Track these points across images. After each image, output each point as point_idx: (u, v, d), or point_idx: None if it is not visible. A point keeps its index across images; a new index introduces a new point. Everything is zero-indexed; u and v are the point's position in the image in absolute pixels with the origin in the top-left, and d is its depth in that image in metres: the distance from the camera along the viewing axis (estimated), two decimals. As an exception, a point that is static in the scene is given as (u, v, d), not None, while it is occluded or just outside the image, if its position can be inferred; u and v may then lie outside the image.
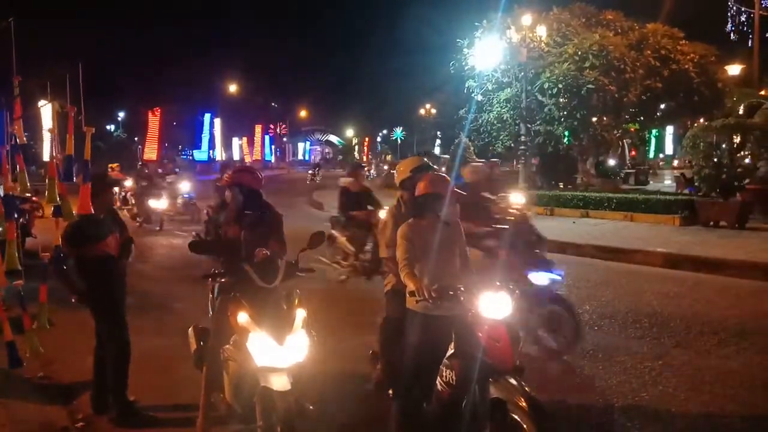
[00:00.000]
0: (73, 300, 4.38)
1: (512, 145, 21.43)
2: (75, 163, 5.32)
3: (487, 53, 19.78)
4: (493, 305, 3.19)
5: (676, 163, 41.99)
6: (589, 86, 18.15)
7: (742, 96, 17.77)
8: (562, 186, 21.95)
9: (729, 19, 36.02)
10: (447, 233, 3.57)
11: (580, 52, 18.71)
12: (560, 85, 18.65)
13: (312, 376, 4.82)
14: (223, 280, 3.90)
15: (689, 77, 20.32)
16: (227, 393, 3.68)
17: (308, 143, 79.01)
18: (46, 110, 15.06)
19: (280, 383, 3.29)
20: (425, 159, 4.40)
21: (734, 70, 21.77)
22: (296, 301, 3.61)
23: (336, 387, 4.80)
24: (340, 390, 4.77)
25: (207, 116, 61.21)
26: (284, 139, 74.97)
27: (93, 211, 4.41)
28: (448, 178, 3.67)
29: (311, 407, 4.25)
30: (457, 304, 3.30)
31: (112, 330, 4.32)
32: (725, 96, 20.46)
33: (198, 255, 3.86)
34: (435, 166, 4.10)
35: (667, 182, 28.42)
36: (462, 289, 3.27)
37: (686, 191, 17.23)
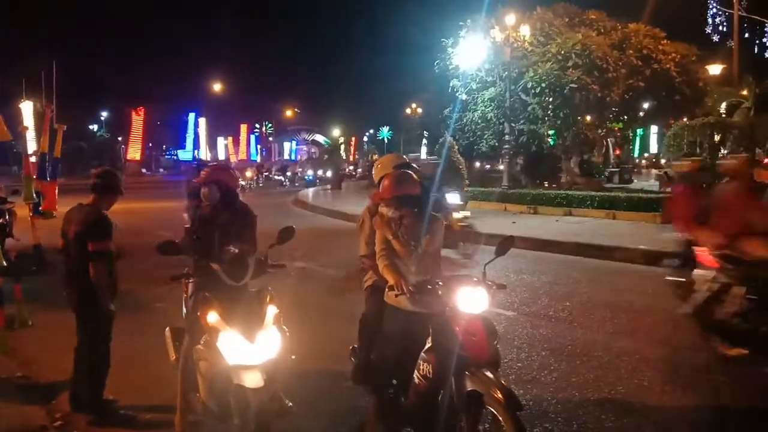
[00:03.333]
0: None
1: (497, 144, 21.55)
2: (49, 162, 5.29)
3: (472, 52, 19.93)
4: (470, 300, 3.22)
5: (663, 162, 42.38)
6: (572, 85, 18.31)
7: (722, 95, 18.01)
8: (546, 185, 22.11)
9: (709, 20, 36.47)
10: (414, 231, 3.57)
11: (563, 52, 18.88)
12: (543, 85, 18.81)
13: (290, 373, 4.86)
14: (190, 280, 3.90)
15: (671, 77, 20.55)
16: (202, 392, 3.69)
17: (294, 143, 78.64)
18: (27, 109, 14.92)
19: (252, 380, 3.30)
20: (404, 157, 4.43)
21: (715, 69, 22.03)
22: (267, 298, 3.62)
23: (315, 384, 4.83)
24: (319, 386, 4.79)
25: (191, 116, 60.81)
26: (270, 139, 74.66)
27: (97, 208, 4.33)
28: (413, 175, 3.68)
29: (290, 404, 4.29)
30: (434, 299, 3.33)
31: (97, 335, 4.29)
32: (706, 95, 20.71)
33: (167, 257, 3.84)
34: (414, 165, 4.12)
35: (653, 181, 28.69)
36: (440, 284, 3.30)
37: (669, 189, 17.42)
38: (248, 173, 38.39)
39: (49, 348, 5.69)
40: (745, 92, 16.87)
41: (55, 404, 4.51)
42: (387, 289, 3.44)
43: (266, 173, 42.54)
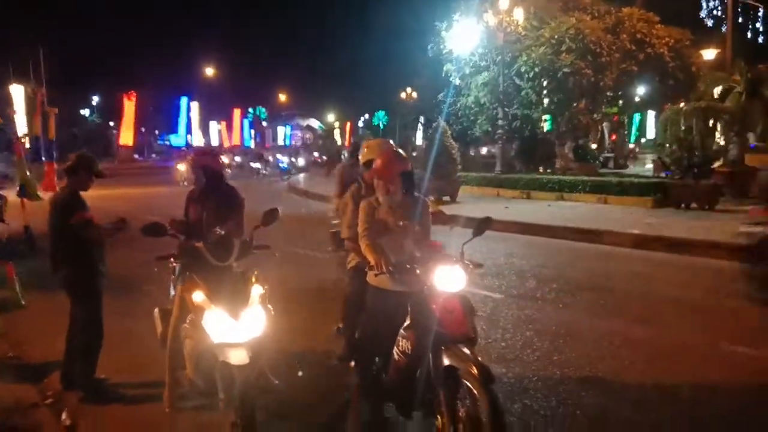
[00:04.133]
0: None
1: (490, 129, 21.57)
2: (41, 144, 5.35)
3: (465, 37, 19.86)
4: (448, 279, 3.30)
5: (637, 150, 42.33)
6: (565, 70, 18.31)
7: (714, 80, 18.02)
8: (541, 170, 22.17)
9: (703, 4, 36.40)
10: (406, 209, 3.66)
11: (556, 36, 18.85)
12: (537, 69, 18.80)
13: (276, 352, 4.96)
14: (174, 260, 3.98)
15: (664, 61, 20.56)
16: (189, 369, 3.78)
17: (289, 128, 78.20)
18: (18, 93, 14.84)
19: (237, 358, 3.39)
20: (391, 142, 4.51)
21: (709, 54, 22.05)
22: (253, 278, 3.70)
23: (302, 362, 4.92)
24: (306, 364, 4.88)
25: (184, 100, 60.10)
26: (264, 124, 74.23)
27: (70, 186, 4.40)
28: (404, 154, 3.77)
29: (276, 381, 4.39)
30: (413, 278, 3.41)
31: (89, 315, 4.37)
32: (699, 80, 20.74)
33: (152, 238, 3.91)
34: (400, 150, 4.19)
35: (648, 166, 28.81)
36: (418, 263, 3.38)
37: (663, 174, 17.53)
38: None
39: (41, 329, 5.77)
40: (737, 77, 16.87)
41: (46, 383, 4.60)
42: (367, 269, 3.52)
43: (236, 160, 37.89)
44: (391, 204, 3.62)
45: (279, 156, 37.58)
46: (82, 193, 4.43)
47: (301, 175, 33.36)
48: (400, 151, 3.88)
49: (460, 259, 3.41)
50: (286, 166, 34.31)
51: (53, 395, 4.35)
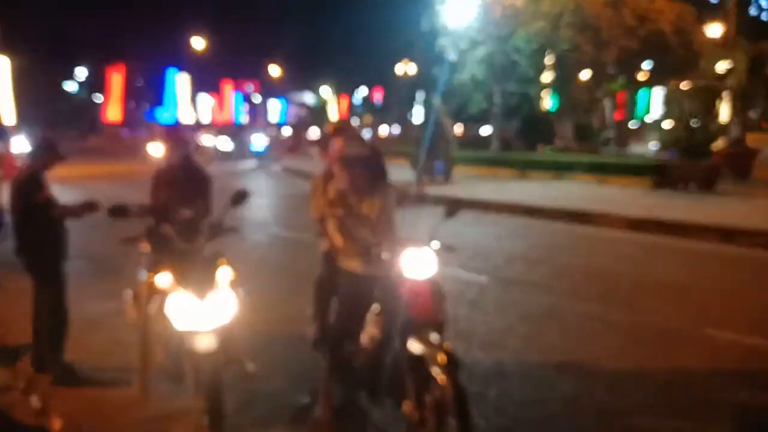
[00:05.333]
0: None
1: (486, 106, 21.30)
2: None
3: (461, 10, 19.43)
4: (417, 263, 3.23)
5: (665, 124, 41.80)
6: (564, 47, 18.02)
7: (716, 58, 17.74)
8: (540, 149, 21.99)
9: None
10: (373, 194, 3.58)
11: (555, 10, 18.47)
12: (535, 44, 18.47)
13: (252, 336, 4.91)
14: (141, 243, 3.92)
15: (666, 37, 20.22)
16: (158, 353, 3.74)
17: (283, 102, 76.44)
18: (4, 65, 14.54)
19: (204, 343, 3.33)
20: (351, 122, 4.42)
21: (711, 31, 21.68)
22: (221, 262, 3.64)
23: (278, 346, 4.90)
24: (282, 349, 4.86)
25: (172, 71, 57.39)
26: (255, 101, 72.46)
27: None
28: (363, 138, 3.69)
29: (251, 366, 4.36)
30: (381, 263, 3.34)
31: (54, 298, 4.34)
32: (701, 57, 20.42)
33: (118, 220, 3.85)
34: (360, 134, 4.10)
35: (650, 145, 28.60)
36: (385, 247, 3.31)
37: (667, 155, 17.34)
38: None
39: (16, 311, 5.72)
40: (740, 55, 16.61)
41: (20, 365, 4.57)
42: (338, 254, 3.46)
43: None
44: (350, 189, 3.53)
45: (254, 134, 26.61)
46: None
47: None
48: (360, 134, 3.80)
49: (430, 243, 3.33)
50: (261, 149, 24.91)
51: (25, 378, 4.32)
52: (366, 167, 3.56)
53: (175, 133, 4.24)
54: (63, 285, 4.39)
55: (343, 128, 4.17)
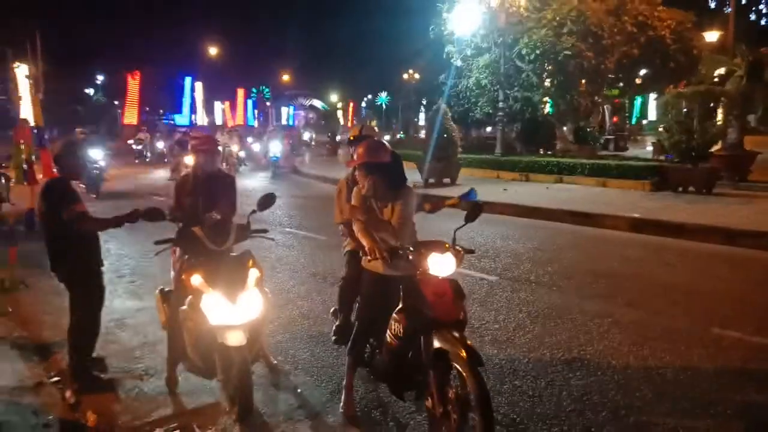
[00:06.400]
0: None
1: (491, 111, 21.56)
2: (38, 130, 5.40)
3: (467, 18, 19.78)
4: (439, 264, 3.40)
5: (661, 129, 41.94)
6: (566, 53, 18.24)
7: (715, 63, 17.94)
8: (542, 152, 22.19)
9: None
10: (389, 201, 3.74)
11: (558, 18, 18.73)
12: (538, 51, 18.72)
13: (277, 333, 5.10)
14: (173, 245, 4.08)
15: (666, 44, 20.45)
16: (188, 350, 3.90)
17: (292, 108, 77.93)
18: (21, 73, 14.86)
19: (235, 339, 3.52)
20: (374, 128, 4.60)
21: (711, 36, 21.90)
22: (249, 262, 3.81)
23: (301, 343, 5.08)
24: (305, 345, 5.03)
25: (188, 80, 60.07)
26: (267, 104, 73.96)
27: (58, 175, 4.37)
28: (386, 144, 3.84)
29: (275, 362, 4.55)
30: (406, 264, 3.51)
31: (86, 313, 4.35)
32: (700, 63, 20.63)
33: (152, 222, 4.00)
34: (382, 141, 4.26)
35: (648, 149, 28.80)
36: (411, 249, 3.48)
37: (663, 158, 17.53)
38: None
39: (46, 309, 5.92)
40: (738, 60, 16.80)
41: (51, 361, 4.75)
42: (362, 254, 3.62)
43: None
44: (373, 194, 3.69)
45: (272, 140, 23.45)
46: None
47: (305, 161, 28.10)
48: (383, 141, 3.93)
49: (452, 246, 3.50)
50: (276, 155, 21.97)
51: (57, 373, 4.49)
52: (388, 172, 3.74)
53: (208, 141, 4.39)
54: (99, 300, 4.46)
55: (366, 134, 4.32)
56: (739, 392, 4.26)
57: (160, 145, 29.16)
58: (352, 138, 4.43)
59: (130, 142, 31.88)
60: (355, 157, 3.79)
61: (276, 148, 22.15)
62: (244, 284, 3.71)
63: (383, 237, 3.65)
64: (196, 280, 3.69)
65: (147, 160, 29.07)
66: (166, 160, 25.83)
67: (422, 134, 28.09)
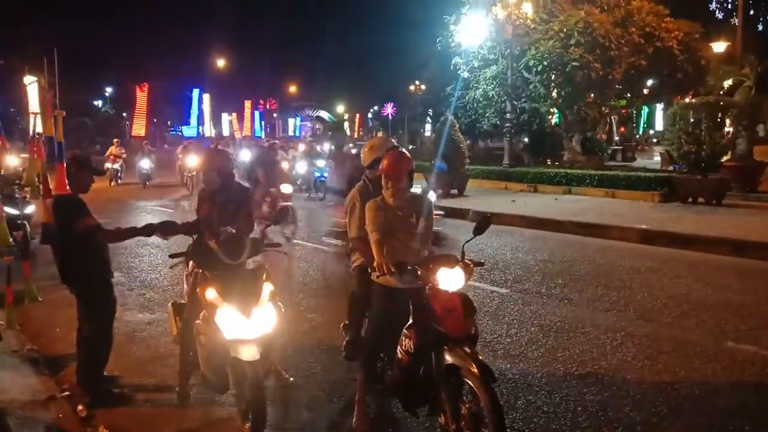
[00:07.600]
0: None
1: (498, 122, 21.59)
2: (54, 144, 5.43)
3: (473, 30, 19.86)
4: (448, 278, 3.38)
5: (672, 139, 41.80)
6: (574, 64, 18.26)
7: (723, 74, 17.92)
8: (549, 163, 22.18)
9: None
10: (410, 208, 3.74)
11: (565, 29, 18.76)
12: (545, 63, 18.75)
13: (288, 347, 5.08)
14: (187, 258, 4.09)
15: (673, 55, 20.43)
16: (201, 364, 3.89)
17: (299, 119, 78.32)
18: (32, 87, 15.02)
19: (248, 353, 3.50)
20: (393, 140, 4.59)
21: (719, 47, 21.87)
22: (263, 276, 3.81)
23: (312, 357, 5.06)
24: (316, 360, 5.01)
25: (195, 92, 60.68)
26: (274, 115, 74.37)
27: (70, 191, 4.37)
28: (409, 155, 3.84)
29: (287, 376, 4.53)
30: (415, 279, 3.49)
31: (98, 326, 4.33)
32: (708, 74, 20.61)
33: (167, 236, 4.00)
34: (404, 149, 4.27)
35: (656, 159, 28.73)
36: (419, 265, 3.46)
37: (671, 168, 17.49)
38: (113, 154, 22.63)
39: (57, 323, 5.93)
40: (746, 70, 16.78)
41: (62, 375, 4.75)
42: (370, 269, 3.60)
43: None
44: (399, 203, 3.70)
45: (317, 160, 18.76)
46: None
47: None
48: (404, 150, 3.95)
49: (461, 259, 3.48)
50: (322, 176, 17.82)
51: (69, 388, 4.48)
52: (411, 180, 3.76)
53: (219, 157, 4.40)
54: (111, 314, 4.46)
55: (386, 145, 4.32)
56: (758, 408, 4.21)
57: (146, 164, 22.10)
58: (368, 150, 4.42)
59: (106, 160, 22.72)
60: (382, 165, 3.77)
61: (321, 164, 18.31)
62: (258, 298, 3.70)
63: (410, 243, 3.64)
64: (211, 294, 3.68)
65: (120, 180, 22.92)
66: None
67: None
